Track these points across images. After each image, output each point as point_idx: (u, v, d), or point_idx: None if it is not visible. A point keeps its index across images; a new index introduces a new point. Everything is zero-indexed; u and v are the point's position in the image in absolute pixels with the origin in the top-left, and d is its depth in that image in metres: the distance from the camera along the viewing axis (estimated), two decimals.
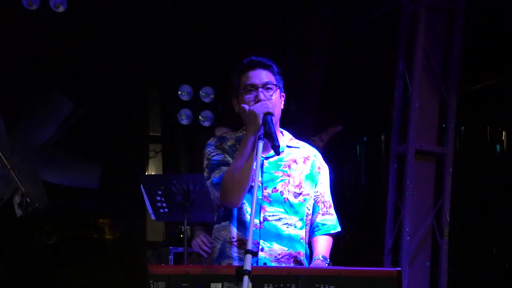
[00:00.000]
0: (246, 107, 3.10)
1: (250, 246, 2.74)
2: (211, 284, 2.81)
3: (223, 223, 3.20)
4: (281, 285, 2.83)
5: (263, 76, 3.16)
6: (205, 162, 3.23)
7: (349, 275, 2.91)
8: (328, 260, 3.20)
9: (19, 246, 1.06)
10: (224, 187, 3.08)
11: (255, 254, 2.76)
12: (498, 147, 7.11)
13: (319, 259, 3.17)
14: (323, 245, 3.26)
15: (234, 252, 3.13)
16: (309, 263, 3.23)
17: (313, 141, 4.99)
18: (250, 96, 3.14)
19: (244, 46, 7.13)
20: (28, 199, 5.16)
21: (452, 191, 5.76)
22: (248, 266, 2.67)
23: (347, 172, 8.55)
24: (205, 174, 3.22)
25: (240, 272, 2.67)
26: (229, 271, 2.81)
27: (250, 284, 2.67)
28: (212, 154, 3.22)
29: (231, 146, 3.25)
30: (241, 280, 2.65)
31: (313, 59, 6.91)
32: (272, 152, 3.10)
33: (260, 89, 3.14)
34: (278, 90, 3.20)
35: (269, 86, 3.16)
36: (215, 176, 3.13)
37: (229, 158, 3.18)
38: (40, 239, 1.05)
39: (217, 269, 2.89)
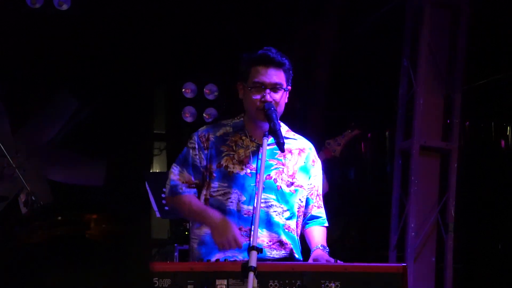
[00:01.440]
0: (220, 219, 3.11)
1: (255, 242, 2.75)
2: (216, 280, 2.81)
3: (199, 224, 3.22)
4: (286, 281, 2.84)
5: (274, 76, 3.15)
6: (183, 149, 3.31)
7: (354, 271, 2.91)
8: (328, 248, 3.20)
9: (1, 245, 1.04)
10: (169, 201, 3.31)
11: (260, 250, 2.75)
12: (502, 142, 7.10)
13: (319, 248, 3.17)
14: (320, 235, 3.26)
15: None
16: (301, 253, 3.24)
17: (328, 144, 4.96)
18: (257, 97, 3.14)
19: (249, 43, 7.12)
20: (33, 198, 5.17)
21: (457, 186, 5.75)
22: (253, 262, 2.67)
23: (351, 168, 8.54)
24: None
25: (246, 268, 2.67)
26: (234, 268, 2.81)
27: (256, 281, 2.67)
28: (190, 147, 3.25)
29: (222, 136, 3.24)
30: (247, 277, 2.65)
31: (319, 56, 6.90)
32: (269, 141, 3.11)
33: (268, 90, 3.14)
34: (284, 90, 3.20)
35: (278, 88, 3.16)
36: (173, 177, 3.26)
37: (198, 159, 3.21)
38: (23, 238, 1.04)
39: (222, 266, 2.89)
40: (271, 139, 3.13)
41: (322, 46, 6.93)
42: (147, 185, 4.86)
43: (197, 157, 3.21)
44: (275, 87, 3.15)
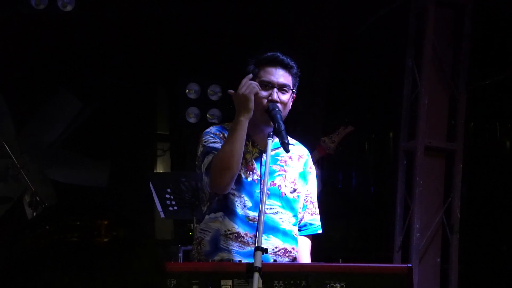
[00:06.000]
0: (232, 91, 3.08)
1: (260, 243, 2.74)
2: (221, 281, 2.80)
3: (214, 215, 3.15)
4: (291, 282, 2.83)
5: (282, 77, 3.17)
6: (200, 148, 3.17)
7: (359, 271, 2.90)
8: None
9: (7, 248, 1.03)
10: (212, 171, 3.02)
11: (265, 251, 2.75)
12: (508, 143, 7.08)
13: None
14: (307, 249, 3.29)
15: (231, 245, 3.10)
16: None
17: (323, 141, 4.93)
18: (264, 94, 3.14)
19: (251, 44, 7.12)
20: (38, 198, 5.17)
21: (462, 187, 5.74)
22: (258, 263, 2.67)
23: (355, 169, 8.53)
24: (197, 162, 3.18)
25: (251, 269, 2.67)
26: (239, 268, 2.80)
27: (261, 281, 2.66)
28: (210, 140, 3.17)
29: None
30: (252, 277, 2.64)
31: (320, 57, 6.89)
32: (274, 143, 3.10)
33: (275, 89, 3.14)
34: (291, 92, 3.20)
35: (285, 89, 3.16)
36: (206, 161, 3.09)
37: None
38: (29, 242, 1.02)
39: (227, 266, 2.88)
40: (275, 142, 3.12)
41: (323, 47, 6.92)
42: (151, 186, 4.85)
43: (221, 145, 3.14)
44: (283, 88, 3.16)
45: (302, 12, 7.06)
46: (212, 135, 3.20)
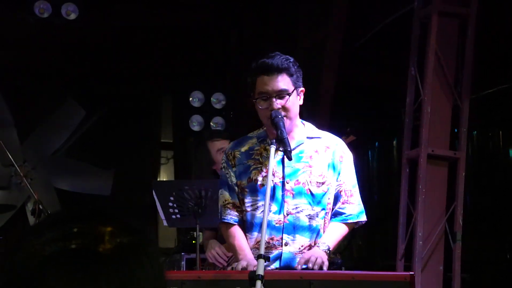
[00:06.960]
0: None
1: (262, 251, 2.75)
2: None
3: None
4: None
5: (277, 83, 3.15)
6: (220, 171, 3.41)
7: (362, 279, 2.92)
8: (328, 247, 3.13)
9: (10, 256, 1.03)
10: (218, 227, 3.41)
11: (267, 259, 2.75)
12: (510, 151, 7.07)
13: (318, 246, 3.13)
14: (331, 232, 3.22)
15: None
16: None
17: None
18: (264, 106, 3.15)
19: (256, 52, 7.14)
20: (40, 207, 5.17)
21: (465, 195, 5.73)
22: (260, 271, 2.67)
23: (358, 177, 8.51)
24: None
25: (253, 277, 2.67)
26: (241, 276, 2.81)
27: None
28: (222, 167, 3.33)
29: (248, 150, 3.25)
30: (254, 285, 2.65)
31: (325, 64, 6.90)
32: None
33: (274, 98, 3.14)
34: (295, 91, 3.19)
35: (283, 94, 3.15)
36: (219, 203, 3.30)
37: (229, 177, 3.25)
38: (33, 249, 1.02)
39: (229, 274, 2.89)
40: (299, 140, 3.16)
41: (328, 55, 6.92)
42: (154, 194, 4.85)
43: (228, 175, 3.25)
44: (280, 94, 3.15)
45: (308, 20, 7.07)
46: (224, 158, 3.31)
